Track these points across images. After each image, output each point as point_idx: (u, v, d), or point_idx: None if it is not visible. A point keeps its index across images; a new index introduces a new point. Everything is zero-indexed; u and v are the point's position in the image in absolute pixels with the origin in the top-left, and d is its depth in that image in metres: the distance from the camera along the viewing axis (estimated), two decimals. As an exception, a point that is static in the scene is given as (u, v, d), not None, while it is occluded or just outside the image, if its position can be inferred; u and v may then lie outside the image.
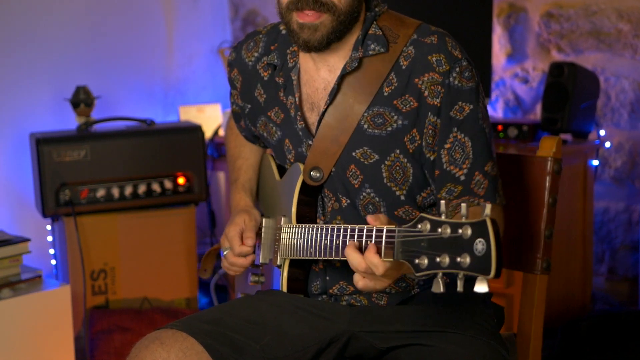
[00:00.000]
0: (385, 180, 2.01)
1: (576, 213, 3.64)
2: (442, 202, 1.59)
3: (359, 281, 1.78)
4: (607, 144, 3.82)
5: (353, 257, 1.76)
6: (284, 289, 2.07)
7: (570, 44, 3.91)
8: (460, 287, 1.53)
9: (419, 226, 1.61)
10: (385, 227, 1.71)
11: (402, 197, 2.02)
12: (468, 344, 1.93)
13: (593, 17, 3.83)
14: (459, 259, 1.52)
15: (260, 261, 2.18)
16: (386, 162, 1.99)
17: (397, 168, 1.99)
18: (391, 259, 1.70)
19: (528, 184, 2.18)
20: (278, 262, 2.09)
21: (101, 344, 3.39)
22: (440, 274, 1.57)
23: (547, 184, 2.14)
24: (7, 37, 3.87)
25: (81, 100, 3.71)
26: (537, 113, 4.01)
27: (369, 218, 1.78)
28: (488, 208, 1.51)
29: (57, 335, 3.26)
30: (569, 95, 3.53)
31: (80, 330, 3.52)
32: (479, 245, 1.50)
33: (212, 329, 1.92)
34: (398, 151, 1.98)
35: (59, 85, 3.99)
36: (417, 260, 1.60)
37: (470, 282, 1.57)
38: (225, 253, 2.19)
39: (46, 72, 4.00)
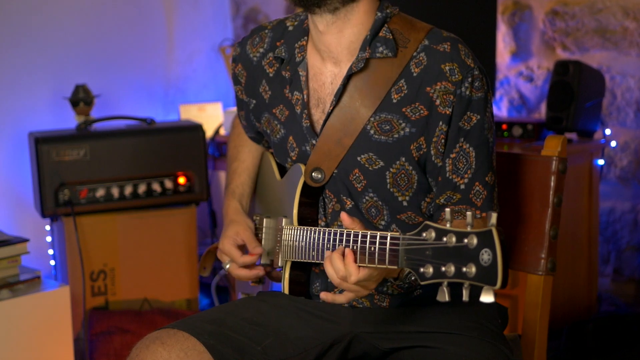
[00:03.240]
0: (388, 186, 2.00)
1: (581, 213, 3.62)
2: (447, 210, 1.57)
3: (342, 297, 1.84)
4: (613, 143, 3.81)
5: (336, 264, 1.78)
6: (286, 291, 2.05)
7: (576, 42, 3.89)
8: (465, 296, 1.52)
9: (424, 234, 1.60)
10: (389, 234, 1.70)
11: (405, 203, 2.02)
12: (472, 346, 1.92)
13: (598, 15, 3.81)
14: (464, 269, 1.51)
15: (262, 262, 2.17)
16: (391, 170, 1.99)
17: (402, 175, 1.99)
18: (373, 265, 1.73)
19: (533, 184, 2.17)
20: (279, 264, 2.07)
21: (101, 346, 3.38)
22: (445, 283, 1.56)
23: (552, 184, 2.13)
24: (5, 35, 3.86)
25: (80, 98, 3.70)
26: (542, 112, 4.00)
27: (344, 218, 1.81)
28: (494, 217, 1.50)
29: (56, 337, 3.24)
30: (574, 94, 3.51)
31: (80, 331, 3.51)
32: (485, 255, 1.48)
33: (214, 329, 1.92)
34: (404, 159, 1.98)
35: (58, 83, 3.98)
36: (422, 269, 1.59)
37: (475, 290, 1.56)
38: (227, 267, 2.18)
39: (45, 70, 3.99)
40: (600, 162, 3.73)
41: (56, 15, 4.04)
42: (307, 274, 2.07)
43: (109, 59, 4.25)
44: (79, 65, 4.10)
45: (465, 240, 1.51)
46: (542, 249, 2.13)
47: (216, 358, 1.86)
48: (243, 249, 2.17)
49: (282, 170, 2.21)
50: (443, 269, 1.54)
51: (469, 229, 1.53)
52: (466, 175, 1.95)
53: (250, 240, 2.16)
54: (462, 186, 1.96)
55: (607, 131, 3.78)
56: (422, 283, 1.59)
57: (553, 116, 3.57)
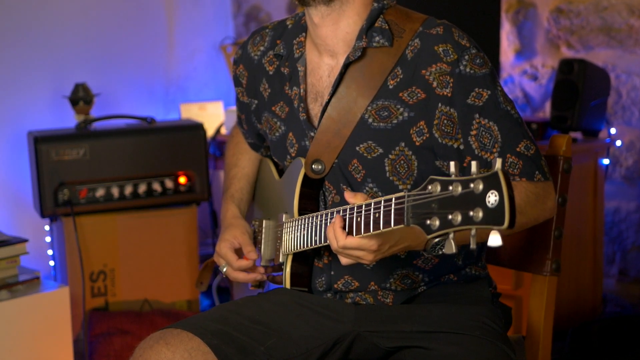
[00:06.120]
0: (387, 175, 2.00)
1: (586, 213, 3.61)
2: (452, 162, 1.55)
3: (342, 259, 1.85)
4: (618, 143, 3.79)
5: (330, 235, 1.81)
6: (287, 285, 2.05)
7: (580, 40, 3.87)
8: (472, 244, 1.49)
9: (429, 188, 1.57)
10: (394, 195, 1.68)
11: (406, 192, 1.98)
12: (474, 346, 1.91)
13: (603, 13, 3.79)
14: (471, 213, 1.48)
15: (262, 263, 2.17)
16: (390, 156, 1.99)
17: (402, 162, 1.99)
18: (378, 232, 1.72)
19: (537, 183, 2.13)
20: (280, 260, 2.07)
21: (100, 347, 3.36)
22: (452, 235, 1.53)
23: (557, 184, 2.11)
24: (4, 33, 3.86)
25: (80, 97, 3.69)
26: (547, 111, 3.99)
27: (347, 195, 1.81)
28: (499, 162, 1.47)
29: (56, 338, 3.22)
30: (579, 93, 3.50)
31: (79, 333, 3.50)
32: (492, 197, 1.45)
33: (217, 329, 1.92)
34: (403, 144, 1.98)
35: (57, 82, 3.98)
36: (428, 222, 1.56)
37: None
38: (224, 270, 2.18)
39: (44, 69, 3.99)
40: (606, 161, 3.71)
41: (56, 14, 4.03)
42: (309, 267, 2.07)
43: (108, 57, 4.25)
44: (78, 64, 4.09)
45: (471, 186, 1.48)
46: (546, 249, 2.11)
47: (220, 358, 1.85)
48: (240, 252, 2.17)
49: (281, 173, 2.22)
50: (450, 217, 1.51)
51: (474, 176, 1.50)
52: (494, 150, 1.93)
53: (246, 244, 2.16)
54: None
55: (612, 130, 3.77)
56: (429, 236, 1.56)
57: (558, 115, 3.56)
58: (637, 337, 3.42)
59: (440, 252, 1.81)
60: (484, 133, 1.93)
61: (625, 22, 3.75)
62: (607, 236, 3.86)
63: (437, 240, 1.77)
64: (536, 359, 2.12)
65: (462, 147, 1.95)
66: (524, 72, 4.05)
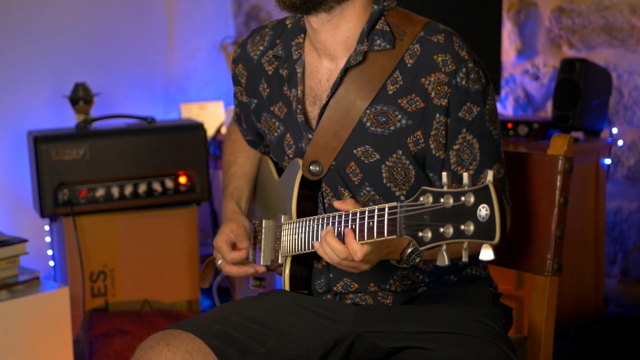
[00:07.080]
0: (384, 181, 2.00)
1: (588, 213, 3.60)
2: (444, 174, 1.56)
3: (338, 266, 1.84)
4: (620, 142, 3.78)
5: (333, 245, 1.79)
6: (287, 287, 2.05)
7: (582, 39, 3.86)
8: (465, 257, 1.51)
9: (422, 199, 1.59)
10: (387, 204, 1.69)
11: (402, 198, 2.01)
12: (474, 346, 1.90)
13: (605, 12, 3.78)
14: (463, 227, 1.49)
15: (262, 263, 2.16)
16: (387, 163, 1.98)
17: (399, 169, 1.99)
18: (372, 240, 1.73)
19: (539, 183, 2.15)
20: (280, 262, 2.07)
21: (100, 348, 3.36)
22: (444, 247, 1.55)
23: (558, 184, 2.11)
24: (4, 33, 3.86)
25: (80, 97, 3.69)
26: (548, 110, 3.98)
27: (337, 204, 1.82)
28: (490, 174, 1.49)
29: (55, 339, 3.22)
30: (581, 92, 3.49)
31: (79, 333, 3.50)
32: (483, 211, 1.47)
33: (218, 329, 1.92)
34: (400, 152, 1.97)
35: (57, 82, 3.98)
36: (420, 234, 1.58)
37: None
38: (219, 263, 2.20)
39: (44, 68, 3.99)
40: (607, 161, 3.70)
41: (56, 13, 4.03)
42: (309, 269, 2.07)
43: (108, 57, 4.24)
44: (78, 63, 4.09)
45: (463, 199, 1.50)
46: (548, 249, 2.11)
47: (221, 359, 1.85)
48: (236, 247, 2.18)
49: (281, 172, 2.21)
50: (441, 230, 1.52)
51: (465, 188, 1.51)
52: (471, 167, 1.94)
53: (240, 236, 2.17)
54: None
55: (614, 130, 3.76)
56: (422, 248, 1.57)
57: (559, 115, 3.55)
58: (639, 338, 3.41)
59: (412, 264, 1.82)
60: (465, 149, 1.94)
61: (627, 22, 3.74)
62: (608, 236, 3.85)
63: (409, 250, 1.82)
64: (538, 360, 2.12)
65: (443, 157, 1.96)
66: (525, 71, 4.04)
